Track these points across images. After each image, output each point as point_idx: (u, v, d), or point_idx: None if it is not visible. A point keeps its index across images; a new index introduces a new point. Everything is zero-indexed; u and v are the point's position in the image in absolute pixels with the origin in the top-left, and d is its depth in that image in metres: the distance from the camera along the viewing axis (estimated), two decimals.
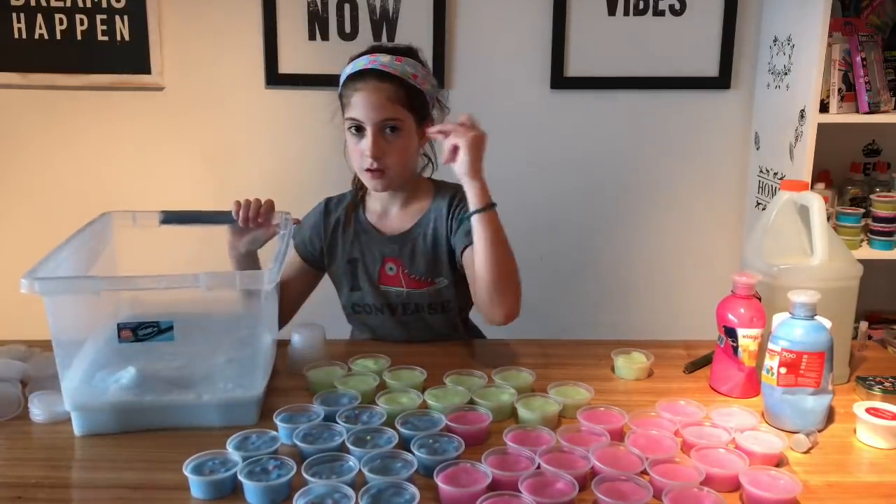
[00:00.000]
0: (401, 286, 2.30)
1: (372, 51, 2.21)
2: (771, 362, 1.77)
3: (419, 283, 2.29)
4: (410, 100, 2.16)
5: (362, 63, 2.17)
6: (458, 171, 2.01)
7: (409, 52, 2.24)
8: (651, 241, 3.63)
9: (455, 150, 1.99)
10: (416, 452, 1.56)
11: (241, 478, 1.49)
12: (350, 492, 1.43)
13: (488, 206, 2.01)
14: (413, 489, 1.44)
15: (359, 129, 2.16)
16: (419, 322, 2.32)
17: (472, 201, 2.01)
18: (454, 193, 2.27)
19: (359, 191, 2.37)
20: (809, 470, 1.62)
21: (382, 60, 2.15)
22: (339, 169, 2.35)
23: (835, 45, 3.05)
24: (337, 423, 1.67)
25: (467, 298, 2.31)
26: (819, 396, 1.76)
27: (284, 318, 2.34)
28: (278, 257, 1.83)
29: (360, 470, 1.51)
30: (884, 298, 3.56)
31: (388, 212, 2.33)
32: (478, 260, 2.03)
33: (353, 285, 2.33)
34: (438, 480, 1.48)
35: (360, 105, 2.14)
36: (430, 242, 2.27)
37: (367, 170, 2.17)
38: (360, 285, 2.32)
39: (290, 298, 2.37)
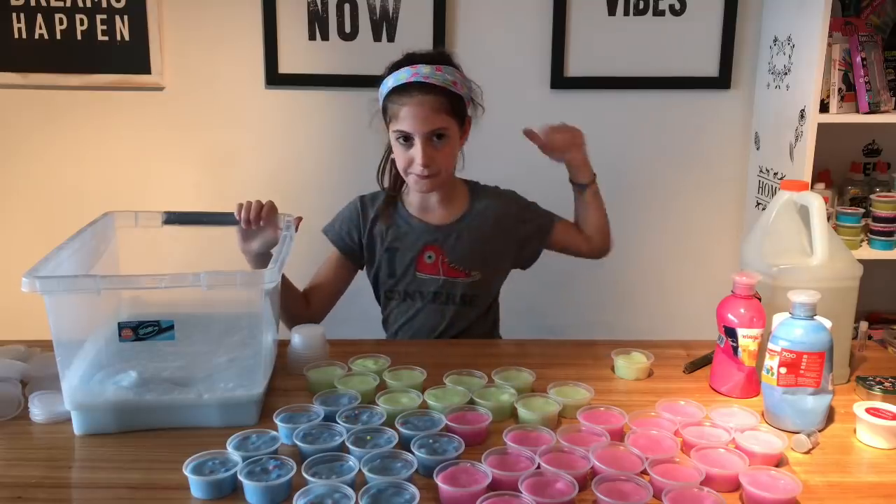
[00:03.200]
0: (438, 274, 2.42)
1: (409, 61, 2.29)
2: (771, 362, 1.77)
3: (457, 273, 2.42)
4: (452, 106, 2.28)
5: (405, 76, 2.24)
6: (575, 160, 2.47)
7: (445, 59, 2.34)
8: (651, 241, 3.63)
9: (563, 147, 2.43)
10: (416, 452, 1.56)
11: (241, 478, 1.49)
12: (350, 492, 1.43)
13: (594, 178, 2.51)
14: (413, 489, 1.44)
15: (406, 139, 2.27)
16: (449, 311, 2.43)
17: (588, 175, 2.51)
18: (491, 202, 2.49)
19: (395, 187, 2.48)
20: (809, 470, 1.62)
21: (424, 72, 2.24)
22: (338, 169, 2.38)
23: (835, 45, 3.05)
24: (337, 423, 1.67)
25: (495, 296, 2.55)
26: (819, 396, 1.76)
27: (321, 314, 2.47)
28: (278, 258, 1.83)
29: (360, 470, 1.51)
30: (884, 298, 3.56)
31: (428, 205, 2.45)
32: (592, 215, 2.54)
33: (391, 272, 2.45)
34: (438, 480, 1.48)
35: (408, 118, 2.24)
36: (475, 236, 2.43)
37: (418, 175, 2.29)
38: (396, 272, 2.45)
39: (328, 294, 2.49)
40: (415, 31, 3.36)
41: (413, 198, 2.45)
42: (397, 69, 2.28)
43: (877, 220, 3.18)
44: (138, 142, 3.50)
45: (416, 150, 2.26)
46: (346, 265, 2.50)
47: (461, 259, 2.41)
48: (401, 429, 1.65)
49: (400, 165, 2.32)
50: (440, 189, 2.40)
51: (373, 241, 2.45)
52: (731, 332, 1.91)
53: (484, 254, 2.44)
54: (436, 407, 1.79)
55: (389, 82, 2.27)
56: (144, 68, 3.40)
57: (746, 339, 1.89)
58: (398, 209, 2.46)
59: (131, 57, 3.39)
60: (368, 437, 1.64)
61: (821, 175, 3.24)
